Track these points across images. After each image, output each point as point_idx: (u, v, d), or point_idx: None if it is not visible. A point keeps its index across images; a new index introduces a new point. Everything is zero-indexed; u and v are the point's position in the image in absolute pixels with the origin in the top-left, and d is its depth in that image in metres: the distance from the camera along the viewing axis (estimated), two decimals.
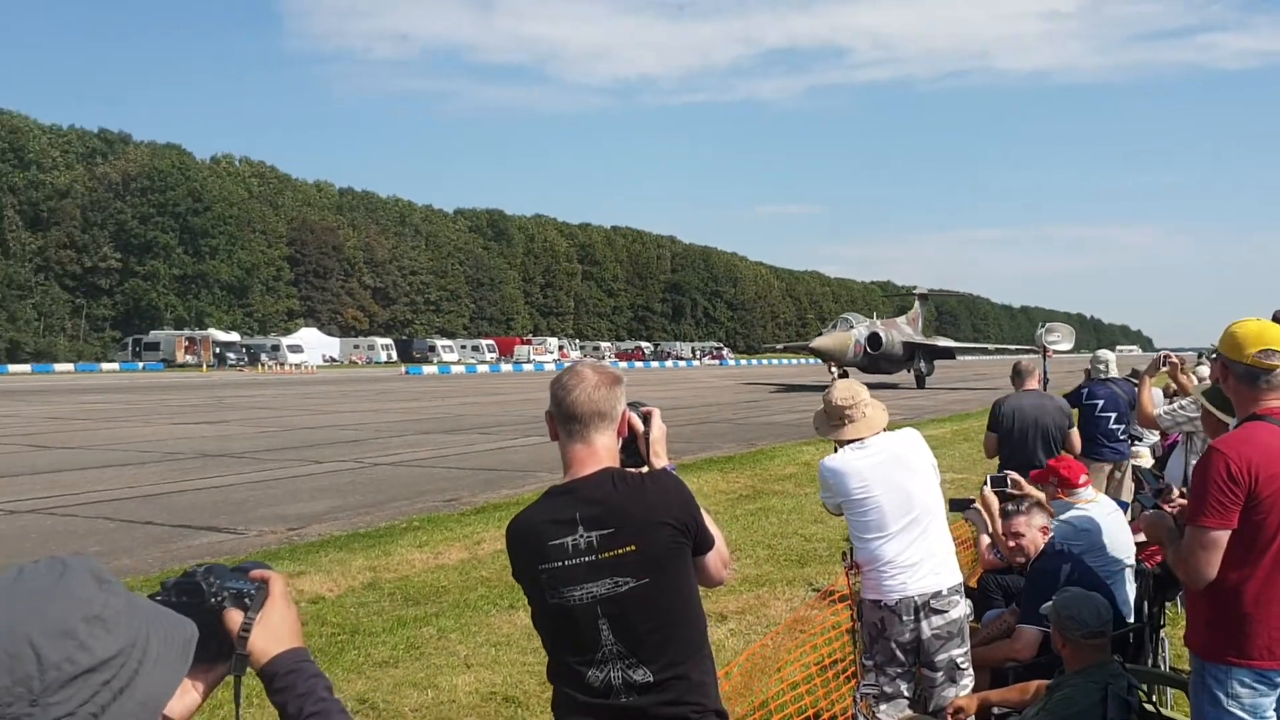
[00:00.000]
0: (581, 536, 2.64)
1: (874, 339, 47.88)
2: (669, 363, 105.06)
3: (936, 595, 4.53)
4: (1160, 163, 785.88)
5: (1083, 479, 6.05)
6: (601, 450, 2.77)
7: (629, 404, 2.83)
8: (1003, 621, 5.57)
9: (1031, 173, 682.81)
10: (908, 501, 4.55)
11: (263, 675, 1.62)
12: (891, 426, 4.82)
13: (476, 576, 9.25)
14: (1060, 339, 13.27)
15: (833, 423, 4.74)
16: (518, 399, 39.30)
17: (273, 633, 1.64)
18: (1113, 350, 12.17)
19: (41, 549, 10.59)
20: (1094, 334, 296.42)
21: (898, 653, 4.55)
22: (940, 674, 4.59)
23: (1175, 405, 7.52)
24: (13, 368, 77.85)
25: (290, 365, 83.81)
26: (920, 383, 50.80)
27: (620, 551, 2.62)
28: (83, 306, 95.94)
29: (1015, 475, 6.48)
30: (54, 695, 1.18)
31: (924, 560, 4.53)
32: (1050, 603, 4.41)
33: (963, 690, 4.62)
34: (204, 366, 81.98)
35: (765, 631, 7.15)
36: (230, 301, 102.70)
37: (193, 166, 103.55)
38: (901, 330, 53.66)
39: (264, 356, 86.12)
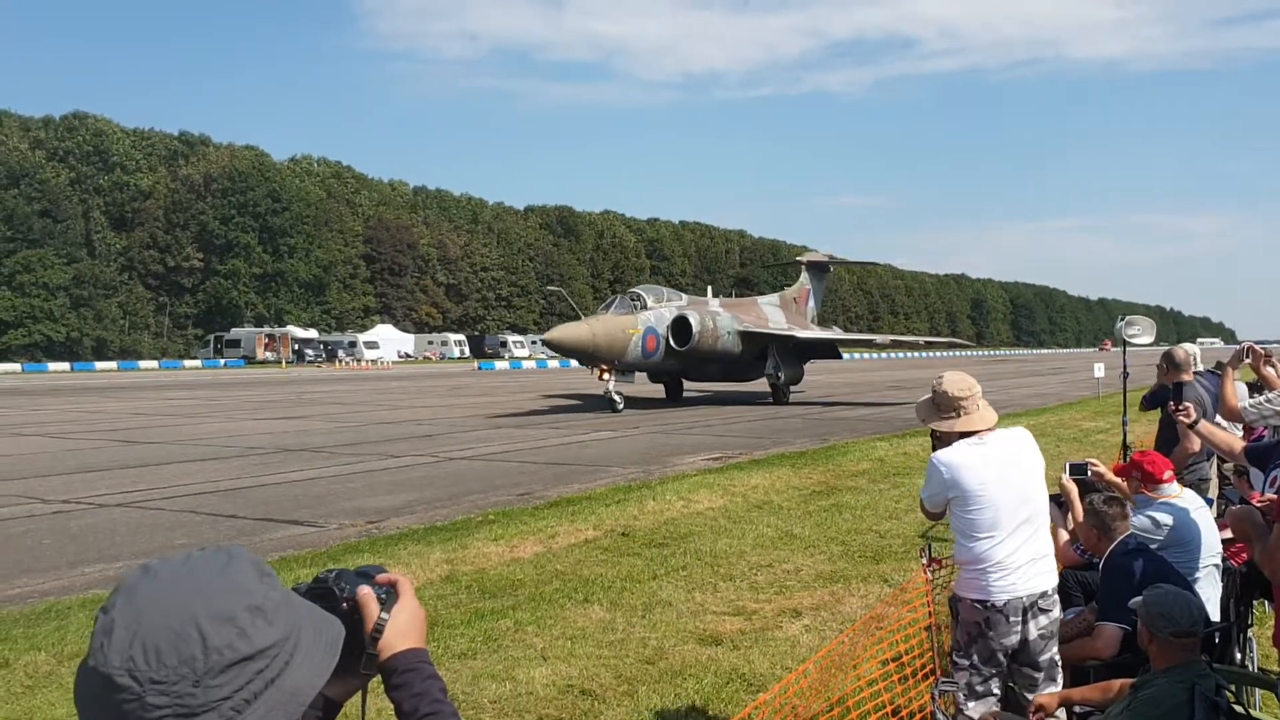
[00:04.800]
0: None
1: (681, 326, 31.42)
2: None
3: (1043, 595, 4.44)
4: (1241, 149, 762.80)
5: (1167, 474, 5.92)
6: None
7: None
8: (1082, 619, 5.49)
9: (1107, 161, 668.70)
10: (1023, 502, 4.42)
11: (382, 669, 1.67)
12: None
13: (551, 570, 9.34)
14: (1140, 332, 12.92)
15: (944, 414, 4.54)
16: (588, 394, 39.52)
17: (400, 631, 1.69)
18: (1194, 343, 11.92)
19: (131, 541, 10.93)
20: (1174, 327, 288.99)
21: (999, 653, 4.45)
22: (1042, 673, 4.51)
23: (1263, 398, 7.33)
24: (99, 365, 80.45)
25: (366, 361, 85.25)
26: (778, 394, 33.74)
27: None
28: (166, 305, 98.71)
29: (1097, 464, 6.34)
30: (215, 678, 1.24)
31: (1034, 561, 4.43)
32: (1139, 598, 4.32)
33: (1058, 688, 4.56)
34: (283, 363, 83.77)
35: (841, 628, 7.12)
36: (308, 299, 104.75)
37: (271, 167, 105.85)
38: (759, 314, 37.57)
39: (341, 352, 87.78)
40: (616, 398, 29.39)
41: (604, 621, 7.68)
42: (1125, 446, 12.54)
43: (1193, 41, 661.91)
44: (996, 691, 4.54)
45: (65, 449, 20.37)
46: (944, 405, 4.54)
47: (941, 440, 4.60)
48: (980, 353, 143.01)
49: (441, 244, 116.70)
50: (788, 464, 16.47)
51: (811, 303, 43.37)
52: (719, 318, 33.03)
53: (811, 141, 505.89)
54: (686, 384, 37.03)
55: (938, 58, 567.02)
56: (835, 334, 42.31)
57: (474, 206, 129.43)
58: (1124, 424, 13.63)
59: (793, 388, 34.84)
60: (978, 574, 4.44)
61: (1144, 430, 14.36)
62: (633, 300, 31.67)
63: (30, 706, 6.03)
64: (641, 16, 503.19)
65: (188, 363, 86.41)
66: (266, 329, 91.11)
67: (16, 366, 77.33)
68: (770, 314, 38.46)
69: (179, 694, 1.22)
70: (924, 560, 5.97)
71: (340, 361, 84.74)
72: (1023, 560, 4.39)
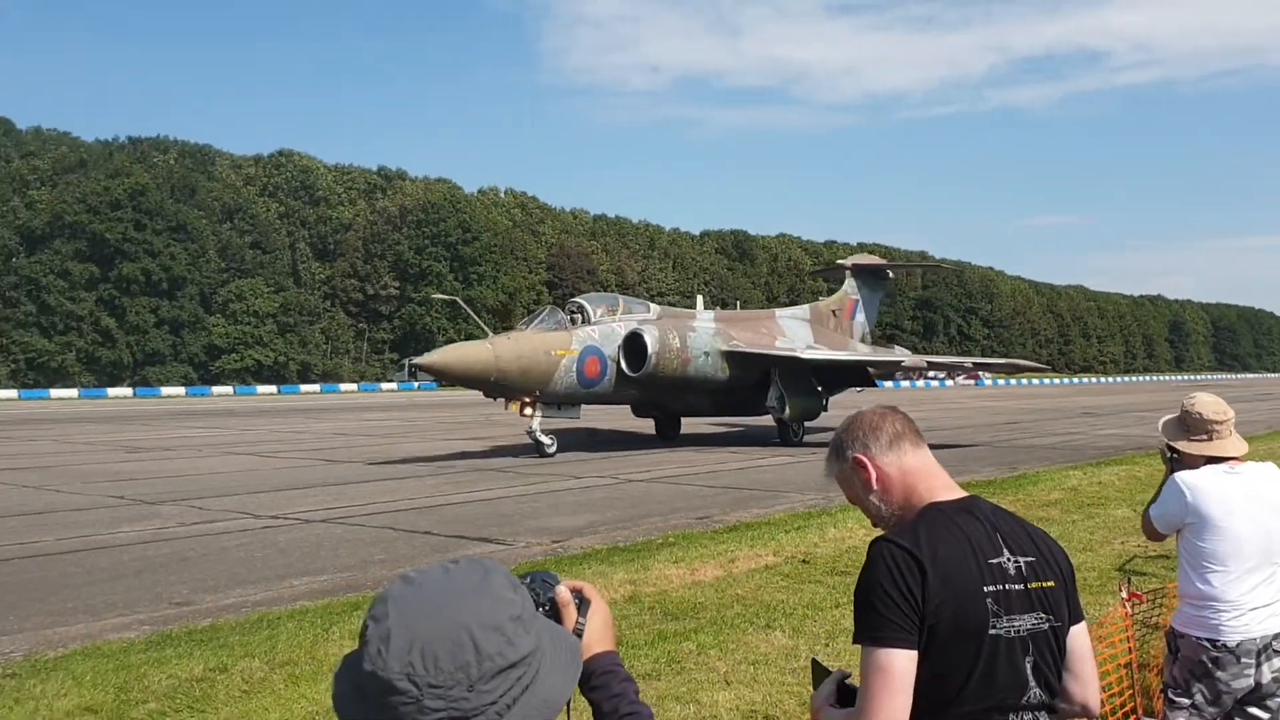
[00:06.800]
0: (1010, 560, 2.36)
1: (634, 345, 24.52)
2: (919, 382, 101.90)
3: (1277, 637, 4.17)
4: None
5: None
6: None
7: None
8: None
9: None
10: (1266, 541, 4.14)
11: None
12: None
13: (732, 594, 9.34)
14: None
15: (1194, 435, 4.32)
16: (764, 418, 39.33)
17: (595, 634, 1.79)
18: None
19: (334, 556, 11.50)
20: None
21: (1225, 696, 4.17)
22: (1269, 716, 4.24)
23: None
24: (304, 387, 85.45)
25: None
26: (784, 432, 26.95)
27: (1045, 584, 2.37)
28: (364, 330, 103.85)
29: None
30: (486, 684, 1.32)
31: (1272, 602, 4.16)
32: None
33: None
34: None
35: None
36: (495, 324, 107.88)
37: (462, 199, 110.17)
38: (770, 330, 29.88)
39: None
40: (545, 440, 23.22)
41: (786, 648, 7.63)
42: None
43: None
44: None
45: (273, 467, 21.65)
46: (1194, 427, 4.32)
47: (1181, 462, 4.36)
48: (1077, 379, 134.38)
49: (619, 270, 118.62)
50: (975, 492, 15.94)
51: (860, 316, 34.86)
52: (692, 335, 25.71)
53: (998, 160, 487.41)
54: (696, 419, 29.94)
55: (1129, 70, 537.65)
56: (859, 355, 31.44)
57: (651, 233, 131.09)
58: None
59: (810, 423, 27.66)
60: (1207, 610, 4.18)
61: None
62: (571, 313, 24.62)
63: (246, 710, 6.40)
64: (821, 40, 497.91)
65: (384, 385, 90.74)
66: None
67: (229, 389, 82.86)
68: (790, 330, 30.76)
69: (454, 698, 1.30)
70: (1123, 594, 5.72)
71: None
72: (1261, 601, 4.13)
